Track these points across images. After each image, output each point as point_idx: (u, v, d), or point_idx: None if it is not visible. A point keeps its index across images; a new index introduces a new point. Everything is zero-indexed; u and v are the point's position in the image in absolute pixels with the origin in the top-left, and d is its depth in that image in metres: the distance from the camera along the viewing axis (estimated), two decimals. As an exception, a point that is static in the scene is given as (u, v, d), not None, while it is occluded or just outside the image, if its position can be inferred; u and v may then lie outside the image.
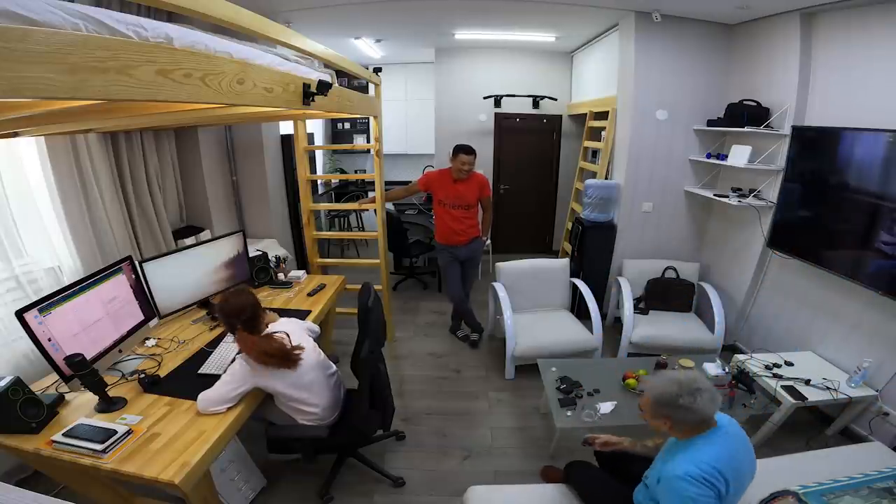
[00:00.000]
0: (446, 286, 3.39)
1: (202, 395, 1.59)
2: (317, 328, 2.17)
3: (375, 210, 3.33)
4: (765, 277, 3.10)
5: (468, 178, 3.04)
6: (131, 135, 2.56)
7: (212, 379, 1.65)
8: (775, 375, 2.38)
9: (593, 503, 1.62)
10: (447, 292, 3.42)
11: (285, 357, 1.66)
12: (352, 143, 6.35)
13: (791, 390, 2.27)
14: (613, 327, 3.62)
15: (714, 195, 3.15)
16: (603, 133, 3.94)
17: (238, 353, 1.66)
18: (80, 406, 1.61)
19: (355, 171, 6.70)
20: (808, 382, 2.31)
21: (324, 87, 1.61)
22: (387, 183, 4.64)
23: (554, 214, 5.55)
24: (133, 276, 2.01)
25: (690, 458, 1.22)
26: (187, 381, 1.76)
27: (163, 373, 1.83)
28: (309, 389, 1.76)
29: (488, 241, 3.33)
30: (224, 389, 1.58)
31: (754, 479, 1.32)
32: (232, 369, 1.62)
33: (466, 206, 3.11)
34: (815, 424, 2.51)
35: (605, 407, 2.07)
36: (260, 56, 1.33)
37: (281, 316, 1.97)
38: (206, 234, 3.14)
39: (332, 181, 6.45)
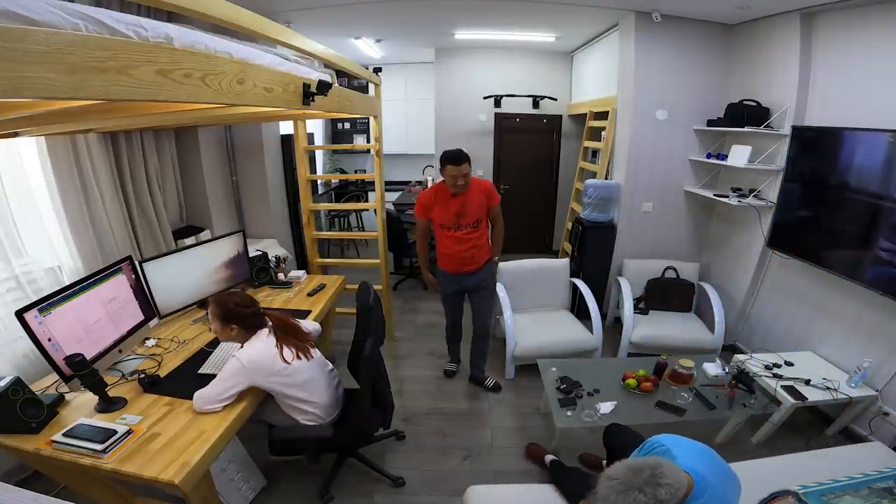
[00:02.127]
0: (446, 315, 2.87)
1: (198, 394, 1.59)
2: (318, 326, 2.18)
3: (375, 210, 3.33)
4: (765, 277, 3.10)
5: (468, 188, 2.43)
6: (131, 135, 2.56)
7: (211, 379, 1.65)
8: (775, 375, 2.38)
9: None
10: (446, 319, 2.89)
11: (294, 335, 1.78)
12: (352, 143, 6.36)
13: (791, 390, 2.27)
14: (613, 327, 3.62)
15: (714, 195, 3.15)
16: (603, 133, 3.94)
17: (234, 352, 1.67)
18: (80, 406, 1.61)
19: (355, 171, 6.71)
20: (808, 382, 2.31)
21: (324, 87, 1.61)
22: (387, 183, 4.64)
23: (554, 214, 5.55)
24: (133, 276, 2.01)
25: None
26: (187, 381, 1.76)
27: (163, 373, 1.83)
28: (306, 388, 1.76)
29: (497, 260, 2.73)
30: (219, 388, 1.59)
31: (754, 479, 1.32)
32: (227, 367, 1.62)
33: (474, 225, 2.47)
34: (815, 424, 2.52)
35: (605, 407, 2.07)
36: (260, 56, 1.33)
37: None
38: (206, 234, 3.14)
39: (332, 181, 6.46)
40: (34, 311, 1.50)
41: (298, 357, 1.73)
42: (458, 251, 2.52)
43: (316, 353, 1.88)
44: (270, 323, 1.77)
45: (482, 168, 5.31)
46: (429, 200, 2.51)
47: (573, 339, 2.96)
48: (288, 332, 1.77)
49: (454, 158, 2.31)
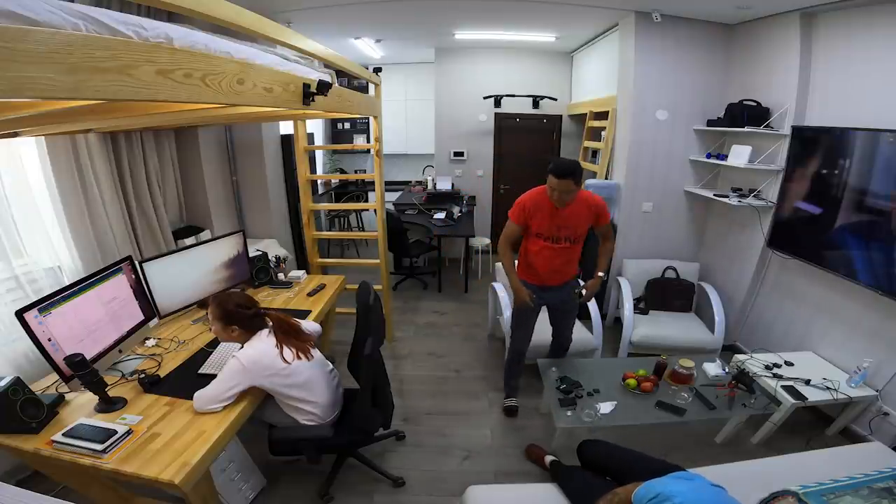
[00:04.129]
0: (513, 337, 2.59)
1: (198, 394, 1.60)
2: (318, 327, 2.18)
3: (375, 210, 3.32)
4: (765, 277, 3.10)
5: (574, 200, 2.18)
6: (131, 135, 2.56)
7: (211, 379, 1.65)
8: (775, 375, 2.39)
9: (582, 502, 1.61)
10: (511, 343, 2.62)
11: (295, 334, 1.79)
12: (352, 143, 6.36)
13: (791, 390, 2.27)
14: (613, 327, 3.62)
15: (714, 195, 3.15)
16: (603, 133, 3.94)
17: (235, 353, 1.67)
18: (80, 406, 1.61)
19: (355, 171, 6.71)
20: (808, 382, 2.31)
21: (324, 87, 1.61)
22: (387, 183, 4.63)
23: (554, 214, 5.54)
24: (133, 276, 2.01)
25: None
26: (187, 381, 1.76)
27: (163, 373, 1.83)
28: (306, 388, 1.76)
29: (603, 276, 2.41)
30: (220, 388, 1.59)
31: (754, 479, 1.32)
32: (227, 367, 1.62)
33: (572, 240, 2.28)
34: (815, 424, 2.52)
35: (605, 407, 2.07)
36: (260, 56, 1.33)
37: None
38: (206, 234, 3.14)
39: (332, 181, 6.46)
40: (34, 311, 1.49)
41: (298, 357, 1.73)
42: (549, 263, 2.34)
43: (316, 353, 1.88)
44: (271, 323, 1.77)
45: (482, 168, 5.32)
46: (530, 205, 2.26)
47: (573, 339, 2.95)
48: (288, 333, 1.77)
49: (556, 170, 2.08)
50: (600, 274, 2.39)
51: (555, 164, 2.10)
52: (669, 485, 1.12)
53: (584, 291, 2.40)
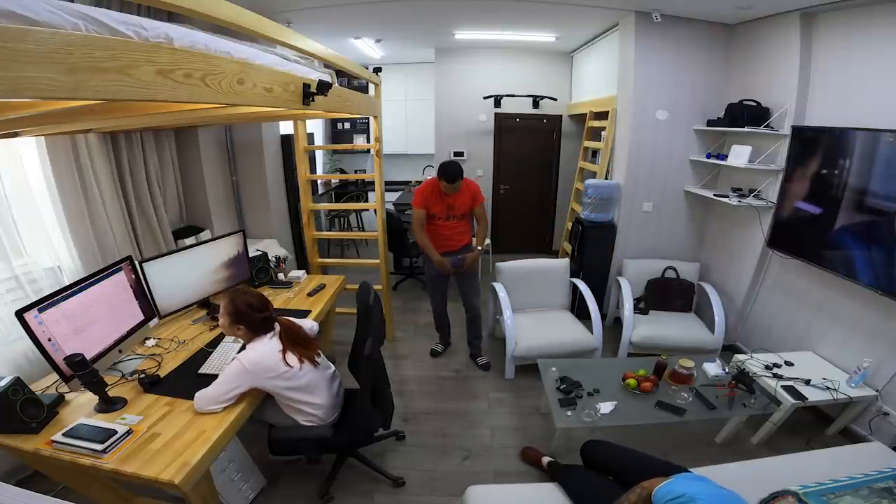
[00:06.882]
0: (431, 302, 3.21)
1: (199, 394, 1.60)
2: (314, 325, 2.18)
3: (375, 210, 3.33)
4: (765, 277, 3.10)
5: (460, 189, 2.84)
6: (131, 135, 2.56)
7: (211, 379, 1.65)
8: (775, 375, 2.39)
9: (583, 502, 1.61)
10: (432, 306, 3.23)
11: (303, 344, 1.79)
12: (352, 143, 6.36)
13: (791, 390, 2.27)
14: (613, 327, 3.62)
15: (714, 195, 3.15)
16: (603, 133, 3.94)
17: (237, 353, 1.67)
18: (80, 406, 1.61)
19: (355, 171, 6.71)
20: (808, 382, 2.31)
21: (324, 87, 1.61)
22: (387, 183, 4.63)
23: (554, 214, 5.55)
24: (133, 276, 2.01)
25: None
26: (187, 381, 1.76)
27: (163, 373, 1.83)
28: (307, 390, 1.76)
29: (482, 249, 3.00)
30: (221, 389, 1.59)
31: (754, 479, 1.32)
32: (229, 369, 1.62)
33: (459, 217, 2.92)
34: (815, 424, 2.51)
35: (605, 407, 2.07)
36: (260, 56, 1.33)
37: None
38: (206, 234, 3.14)
39: (332, 181, 6.46)
40: (34, 311, 1.49)
41: (302, 362, 1.72)
42: (447, 234, 2.92)
43: (321, 358, 1.87)
44: (278, 328, 1.77)
45: (482, 168, 5.31)
46: (427, 194, 2.85)
47: (573, 339, 2.96)
48: (296, 342, 1.77)
49: (447, 176, 2.65)
50: (479, 248, 2.98)
51: (446, 172, 2.65)
52: (691, 486, 1.14)
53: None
